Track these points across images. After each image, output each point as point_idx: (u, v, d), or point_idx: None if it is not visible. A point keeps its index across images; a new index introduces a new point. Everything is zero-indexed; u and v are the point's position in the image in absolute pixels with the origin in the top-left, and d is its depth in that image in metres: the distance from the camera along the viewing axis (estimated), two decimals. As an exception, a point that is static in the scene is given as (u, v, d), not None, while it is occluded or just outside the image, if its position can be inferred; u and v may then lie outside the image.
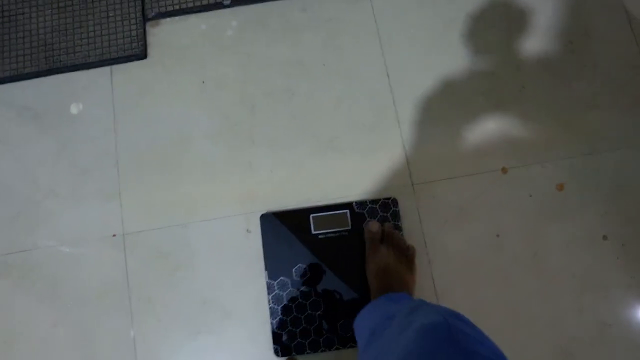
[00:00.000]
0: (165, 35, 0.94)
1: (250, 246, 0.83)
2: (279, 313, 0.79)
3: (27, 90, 0.91)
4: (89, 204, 0.86)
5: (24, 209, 0.86)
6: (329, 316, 0.78)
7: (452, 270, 0.82)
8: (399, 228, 0.81)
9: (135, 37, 0.92)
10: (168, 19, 0.95)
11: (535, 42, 0.92)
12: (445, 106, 0.89)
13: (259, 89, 0.90)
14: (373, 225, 0.79)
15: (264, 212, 0.84)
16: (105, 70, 0.92)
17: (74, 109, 0.90)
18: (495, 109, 0.89)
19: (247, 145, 0.88)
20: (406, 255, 0.78)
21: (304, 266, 0.80)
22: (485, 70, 0.90)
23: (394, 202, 0.82)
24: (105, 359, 0.80)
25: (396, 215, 0.82)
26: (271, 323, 0.79)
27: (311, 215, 0.82)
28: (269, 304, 0.79)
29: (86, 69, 0.92)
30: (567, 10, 0.93)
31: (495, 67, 0.90)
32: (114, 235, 0.85)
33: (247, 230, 0.84)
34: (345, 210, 0.82)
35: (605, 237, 0.83)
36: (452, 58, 0.91)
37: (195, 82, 0.91)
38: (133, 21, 0.93)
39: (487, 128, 0.88)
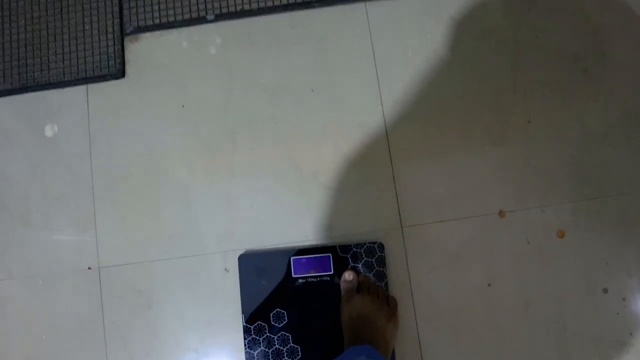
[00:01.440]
0: (144, 52, 0.87)
1: (227, 286, 0.80)
2: (255, 359, 0.76)
3: (0, 109, 0.87)
4: (63, 234, 0.83)
5: (-4, 238, 0.83)
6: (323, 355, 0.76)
7: (438, 320, 0.78)
8: (383, 275, 0.77)
9: (112, 54, 0.86)
10: (148, 34, 0.88)
11: (546, 68, 0.83)
12: (442, 140, 0.82)
13: (241, 115, 0.84)
14: (348, 275, 0.75)
15: (242, 250, 0.80)
16: (81, 89, 0.87)
17: (48, 131, 0.86)
18: (497, 144, 0.82)
19: (226, 177, 0.83)
20: (387, 305, 0.74)
21: (283, 311, 0.77)
22: (488, 100, 0.83)
23: (380, 246, 0.78)
24: (79, 394, 0.79)
25: (382, 261, 0.77)
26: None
27: (292, 258, 0.78)
28: (245, 349, 0.76)
29: (61, 87, 0.87)
30: (583, 32, 0.84)
31: (499, 96, 0.83)
32: (89, 268, 0.82)
33: (225, 270, 0.80)
34: (327, 254, 0.77)
35: (605, 290, 0.78)
36: (453, 86, 0.83)
37: (174, 106, 0.85)
38: (110, 35, 0.87)
39: (487, 166, 0.81)
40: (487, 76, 0.83)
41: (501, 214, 0.80)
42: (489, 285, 0.78)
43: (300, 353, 0.76)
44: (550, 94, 0.82)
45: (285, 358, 0.76)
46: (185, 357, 0.79)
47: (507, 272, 0.78)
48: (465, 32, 0.85)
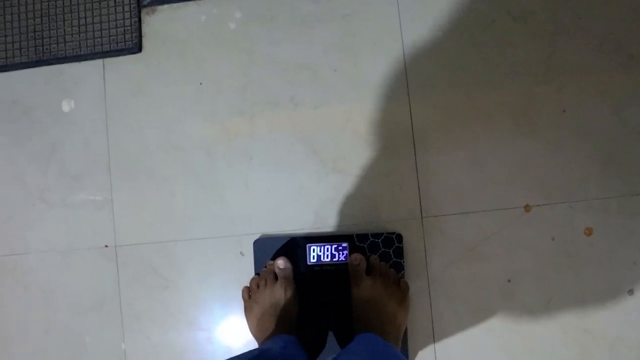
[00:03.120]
0: (161, 25, 0.84)
1: (243, 270, 0.79)
2: (267, 345, 0.76)
3: (16, 83, 0.86)
4: (81, 212, 0.83)
5: (14, 213, 0.84)
6: (315, 350, 0.75)
7: (454, 315, 0.76)
8: (401, 266, 0.75)
9: (129, 27, 0.83)
10: (165, 6, 0.85)
11: (585, 56, 0.78)
12: (469, 128, 0.78)
13: (260, 95, 0.81)
14: (355, 258, 0.73)
15: (258, 235, 0.79)
16: (97, 63, 0.85)
17: (65, 107, 0.85)
18: (527, 135, 0.78)
19: (244, 161, 0.81)
20: (398, 289, 0.72)
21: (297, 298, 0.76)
22: (521, 87, 0.78)
23: (399, 237, 0.76)
24: (97, 367, 0.82)
25: (399, 252, 0.75)
26: (259, 352, 0.77)
27: (308, 245, 0.76)
28: (258, 333, 0.77)
29: (78, 61, 0.85)
30: (629, 18, 0.78)
31: (533, 84, 0.78)
32: (106, 246, 0.82)
33: (241, 253, 0.80)
34: (344, 243, 0.76)
35: (631, 292, 0.75)
36: (484, 70, 0.79)
37: (192, 83, 0.83)
38: (127, 7, 0.84)
39: (515, 157, 0.77)
40: (520, 61, 0.78)
41: (527, 208, 0.77)
42: (509, 281, 0.76)
43: (314, 340, 0.75)
44: (588, 83, 0.77)
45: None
46: (198, 336, 0.80)
47: (529, 269, 0.76)
48: (501, 12, 0.79)
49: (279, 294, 0.72)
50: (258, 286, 0.74)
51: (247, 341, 0.79)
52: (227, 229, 0.80)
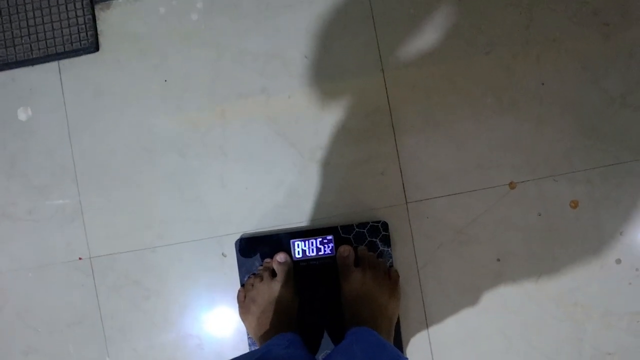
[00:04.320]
0: (118, 21, 0.79)
1: (226, 272, 0.77)
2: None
3: (-34, 93, 0.80)
4: (49, 225, 0.79)
5: (-22, 232, 0.79)
6: (312, 348, 0.74)
7: (446, 298, 0.75)
8: (389, 255, 0.74)
9: (83, 26, 0.78)
10: (120, 1, 0.79)
11: (562, 25, 0.76)
12: (448, 107, 0.76)
13: (230, 89, 0.78)
14: (343, 250, 0.71)
15: (239, 234, 0.76)
16: (52, 66, 0.79)
17: (22, 115, 0.79)
18: (507, 110, 0.76)
19: (218, 158, 0.77)
20: (389, 279, 0.71)
21: (284, 296, 0.74)
22: (498, 61, 0.76)
23: (384, 225, 0.74)
24: (82, 384, 0.78)
25: (386, 240, 0.74)
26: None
27: (292, 241, 0.74)
28: (248, 335, 0.74)
29: (30, 66, 0.79)
30: (605, -18, 0.76)
31: (511, 58, 0.76)
32: (79, 259, 0.78)
33: (223, 255, 0.77)
34: (329, 236, 0.74)
35: (618, 261, 0.75)
36: (460, 46, 0.76)
37: (156, 80, 0.78)
38: (79, 4, 0.78)
39: (497, 134, 0.76)
40: (497, 34, 0.76)
41: (512, 185, 0.75)
42: (498, 260, 0.75)
43: (303, 337, 0.73)
44: (566, 54, 0.75)
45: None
46: (187, 344, 0.77)
47: (517, 247, 0.75)
48: (473, -15, 0.76)
49: (279, 290, 0.70)
50: (253, 286, 0.71)
51: (239, 342, 0.77)
52: (207, 230, 0.77)
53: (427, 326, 0.75)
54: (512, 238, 0.75)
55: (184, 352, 0.77)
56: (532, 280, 0.75)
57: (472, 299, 0.75)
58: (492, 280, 0.75)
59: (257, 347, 0.71)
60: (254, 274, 0.74)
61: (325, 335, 0.73)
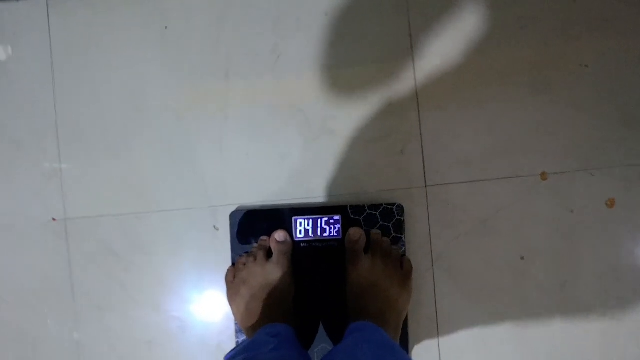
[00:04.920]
0: (118, -42, 0.71)
1: (217, 248, 0.68)
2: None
3: (-60, 25, 0.71)
4: (24, 182, 0.70)
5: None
6: (306, 342, 0.65)
7: (461, 296, 0.67)
8: (401, 241, 0.65)
9: (78, -41, 0.69)
10: None
11: (613, 4, 0.68)
12: (479, 87, 0.68)
13: (236, 44, 0.69)
14: (354, 233, 0.63)
15: (235, 206, 0.68)
16: (40, 3, 0.70)
17: (1, 54, 0.71)
18: (542, 91, 0.68)
19: (218, 119, 0.69)
20: (401, 269, 0.63)
21: (281, 279, 0.65)
22: (537, 41, 0.68)
23: (399, 209, 0.65)
24: (45, 361, 0.70)
25: (400, 226, 0.65)
26: (236, 342, 0.66)
27: (294, 218, 0.66)
28: (235, 321, 0.66)
29: (16, 0, 0.71)
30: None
31: (550, 34, 0.68)
32: (53, 220, 0.69)
33: (215, 227, 0.69)
34: (336, 216, 0.65)
35: (656, 269, 0.67)
36: (496, 22, 0.68)
37: (155, 27, 0.70)
38: None
39: (530, 119, 0.68)
40: (538, 11, 0.68)
41: (543, 176, 0.68)
42: (522, 258, 0.67)
43: (299, 328, 0.65)
44: (615, 36, 0.68)
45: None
46: (169, 326, 0.69)
47: (545, 245, 0.67)
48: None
49: (274, 272, 0.61)
50: (245, 265, 0.63)
51: (225, 329, 0.68)
52: (199, 199, 0.69)
53: (437, 326, 0.67)
54: (540, 235, 0.67)
55: (164, 335, 0.69)
56: (558, 285, 0.67)
57: (489, 299, 0.67)
58: (513, 281, 0.67)
59: (244, 338, 0.63)
60: (247, 253, 0.65)
61: (322, 328, 0.65)
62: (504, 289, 0.67)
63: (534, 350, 0.67)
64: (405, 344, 0.65)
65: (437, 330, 0.67)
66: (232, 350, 0.53)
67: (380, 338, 0.52)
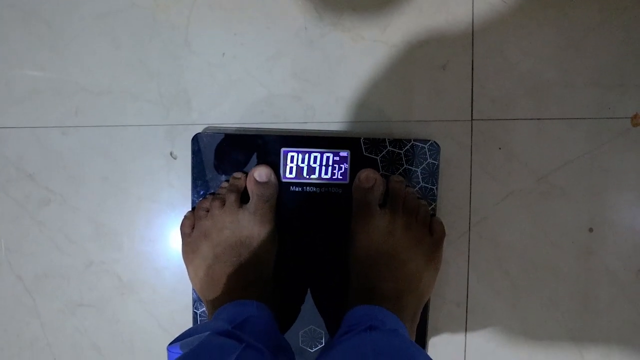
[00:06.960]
0: None
1: (173, 182, 0.49)
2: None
3: None
4: None
5: None
6: (288, 321, 0.48)
7: (502, 277, 0.49)
8: (432, 194, 0.47)
9: None
10: None
11: None
12: (558, 6, 0.47)
13: None
14: (367, 176, 0.44)
15: (202, 127, 0.48)
16: None
17: None
18: (633, 9, 0.47)
19: (183, 3, 0.48)
20: (429, 234, 0.45)
21: (259, 233, 0.47)
22: None
23: (434, 148, 0.46)
24: None
25: (432, 172, 0.46)
26: (194, 314, 0.48)
27: (283, 150, 0.46)
28: (193, 288, 0.47)
29: None
30: None
31: None
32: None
33: (171, 155, 0.49)
34: (345, 152, 0.46)
35: None
36: None
37: None
38: None
39: (628, 37, 0.48)
40: None
41: (635, 119, 0.48)
42: (591, 230, 0.49)
43: (283, 296, 0.47)
44: None
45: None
46: (101, 283, 0.51)
47: (624, 215, 0.49)
48: None
49: (249, 225, 0.43)
50: (209, 212, 0.44)
51: (178, 294, 0.50)
52: (151, 112, 0.49)
53: (466, 314, 0.50)
54: (619, 201, 0.49)
55: (95, 293, 0.51)
56: (633, 269, 0.49)
57: (541, 281, 0.50)
58: (576, 259, 0.49)
59: (204, 310, 0.46)
60: (212, 194, 0.46)
61: (312, 306, 0.47)
62: (561, 269, 0.49)
63: (587, 347, 0.50)
64: (422, 339, 0.47)
65: (465, 322, 0.50)
66: (176, 340, 0.35)
67: (398, 344, 0.34)
